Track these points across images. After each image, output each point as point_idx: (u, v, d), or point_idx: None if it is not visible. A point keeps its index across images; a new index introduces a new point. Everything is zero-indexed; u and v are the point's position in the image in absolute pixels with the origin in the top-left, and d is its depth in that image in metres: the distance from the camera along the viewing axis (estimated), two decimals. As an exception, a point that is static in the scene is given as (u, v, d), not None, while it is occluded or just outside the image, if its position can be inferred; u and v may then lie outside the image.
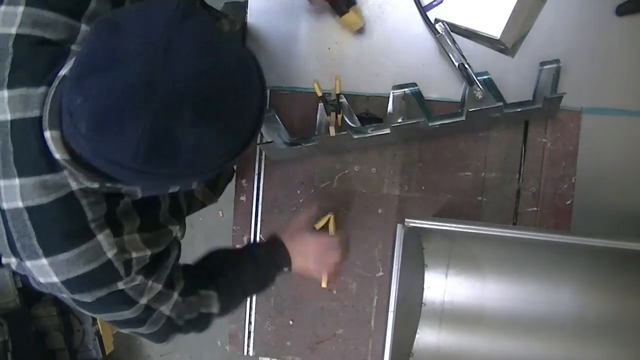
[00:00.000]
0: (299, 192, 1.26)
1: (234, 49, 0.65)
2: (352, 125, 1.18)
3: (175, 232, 0.86)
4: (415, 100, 1.14)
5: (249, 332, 1.31)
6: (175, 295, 0.87)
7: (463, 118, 1.08)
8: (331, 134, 1.11)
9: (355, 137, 1.13)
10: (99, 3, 0.75)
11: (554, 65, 1.09)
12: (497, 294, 1.15)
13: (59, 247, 0.71)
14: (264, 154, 1.27)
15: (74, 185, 0.70)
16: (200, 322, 0.94)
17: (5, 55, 0.70)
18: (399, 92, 1.14)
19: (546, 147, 1.15)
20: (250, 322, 1.31)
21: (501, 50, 1.13)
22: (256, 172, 1.28)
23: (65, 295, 0.75)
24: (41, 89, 0.69)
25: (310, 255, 1.04)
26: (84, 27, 0.74)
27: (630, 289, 1.10)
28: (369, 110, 1.21)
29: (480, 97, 1.11)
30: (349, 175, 1.24)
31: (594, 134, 1.13)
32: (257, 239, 1.29)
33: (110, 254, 0.73)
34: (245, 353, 1.32)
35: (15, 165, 0.69)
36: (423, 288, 1.17)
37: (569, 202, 1.15)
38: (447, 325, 1.17)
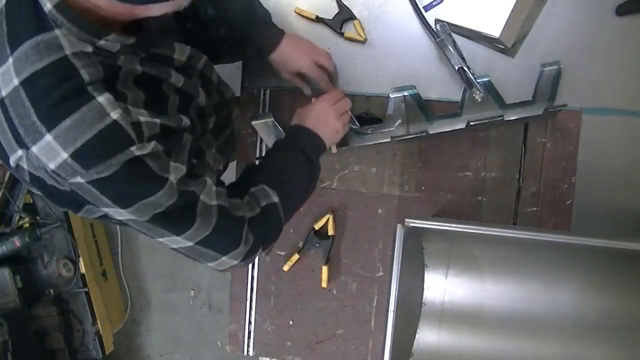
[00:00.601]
0: (299, 192, 1.26)
1: None
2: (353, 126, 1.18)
3: (184, 121, 0.83)
4: (414, 102, 1.14)
5: (249, 332, 1.31)
6: (209, 181, 0.84)
7: (463, 126, 1.09)
8: (333, 152, 1.17)
9: (355, 146, 1.15)
10: None
11: (555, 67, 1.09)
12: (496, 294, 1.15)
13: (59, 115, 0.68)
14: (263, 153, 1.27)
15: (68, 49, 0.69)
16: (270, 217, 0.91)
17: None
18: (398, 95, 1.14)
19: (546, 147, 1.16)
20: (250, 322, 1.31)
21: (501, 51, 1.13)
22: (256, 172, 1.28)
23: (82, 180, 0.70)
24: None
25: (328, 116, 1.06)
26: None
27: (630, 289, 1.10)
28: (369, 111, 1.21)
29: (479, 100, 1.11)
30: (349, 175, 1.24)
31: (594, 134, 1.13)
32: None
33: (114, 114, 0.70)
34: (245, 353, 1.32)
35: (9, 43, 0.68)
36: (423, 288, 1.17)
37: (569, 202, 1.15)
38: (447, 325, 1.17)
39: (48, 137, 0.68)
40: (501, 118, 1.08)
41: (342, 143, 1.16)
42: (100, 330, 1.99)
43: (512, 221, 1.18)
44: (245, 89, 1.26)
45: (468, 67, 1.11)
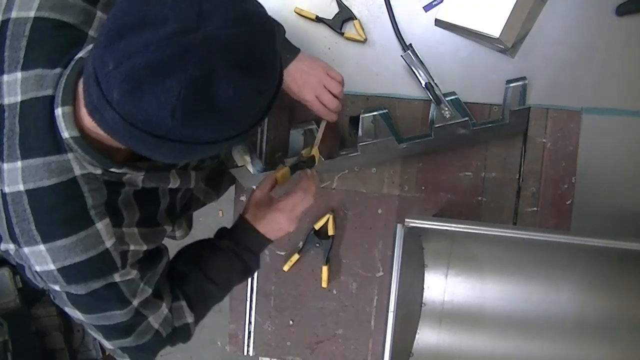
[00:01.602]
0: (299, 192, 1.26)
1: (257, 3, 0.66)
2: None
3: (168, 231, 0.85)
4: (384, 123, 1.14)
5: (249, 332, 1.31)
6: (164, 306, 0.86)
7: (431, 137, 1.10)
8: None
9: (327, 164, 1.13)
10: None
11: (520, 83, 1.11)
12: (497, 294, 1.15)
13: (57, 233, 0.70)
14: (264, 153, 1.27)
15: (77, 170, 0.70)
16: (179, 335, 0.93)
17: (20, 38, 0.70)
18: (368, 115, 1.13)
19: (546, 147, 1.15)
20: (250, 322, 1.31)
21: (501, 51, 1.13)
22: (256, 172, 1.28)
23: (58, 288, 0.74)
24: (56, 70, 0.69)
25: (283, 223, 0.98)
26: (99, 14, 0.75)
27: (630, 289, 1.10)
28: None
29: (448, 115, 1.12)
30: (349, 175, 1.24)
31: (594, 134, 1.13)
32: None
33: (108, 244, 0.73)
34: (245, 353, 1.32)
35: (20, 147, 0.69)
36: (423, 288, 1.17)
37: (569, 202, 1.15)
38: (447, 325, 1.17)
39: (41, 247, 0.70)
40: (466, 120, 1.08)
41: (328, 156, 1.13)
42: (100, 330, 1.99)
43: (512, 221, 1.18)
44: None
45: (436, 83, 1.12)
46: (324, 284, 1.25)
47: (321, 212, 1.25)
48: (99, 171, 0.71)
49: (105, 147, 0.70)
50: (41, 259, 0.71)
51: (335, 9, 1.19)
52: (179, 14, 0.56)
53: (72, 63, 0.70)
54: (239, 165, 1.12)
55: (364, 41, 1.19)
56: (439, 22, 1.14)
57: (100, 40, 0.59)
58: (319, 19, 1.19)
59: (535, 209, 1.17)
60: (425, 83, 1.12)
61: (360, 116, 1.14)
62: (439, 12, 1.13)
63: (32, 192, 0.69)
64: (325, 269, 1.24)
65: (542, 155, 1.16)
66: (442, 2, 1.14)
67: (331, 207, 1.25)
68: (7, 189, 0.69)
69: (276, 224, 0.98)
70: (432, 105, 1.14)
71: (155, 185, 0.81)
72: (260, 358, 1.33)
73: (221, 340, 2.28)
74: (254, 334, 1.31)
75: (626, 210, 1.13)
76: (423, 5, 1.16)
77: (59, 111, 0.67)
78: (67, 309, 0.79)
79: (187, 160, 0.87)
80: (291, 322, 1.29)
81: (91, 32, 0.74)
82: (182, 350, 2.34)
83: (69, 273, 0.72)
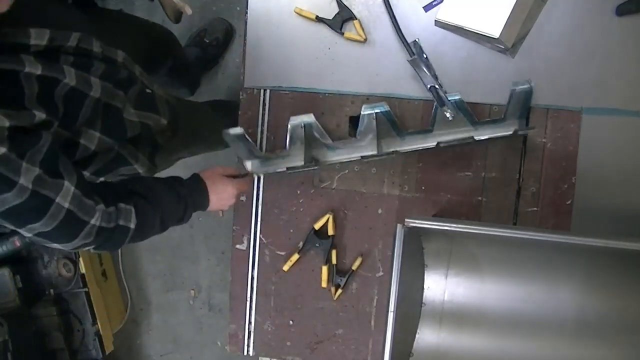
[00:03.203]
0: (299, 192, 1.26)
1: None
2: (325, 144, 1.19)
3: (41, 118, 0.84)
4: (385, 119, 1.14)
5: (249, 332, 1.31)
6: (68, 185, 0.86)
7: (433, 145, 1.11)
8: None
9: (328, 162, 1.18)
10: None
11: (526, 86, 1.08)
12: (496, 294, 1.15)
13: None
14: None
15: None
16: (116, 235, 0.95)
17: None
18: (369, 111, 1.14)
19: (546, 147, 1.15)
20: (250, 322, 1.31)
21: (501, 51, 1.13)
22: (256, 172, 1.28)
23: None
24: None
25: (226, 199, 1.16)
26: None
27: (630, 289, 1.10)
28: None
29: (450, 118, 1.12)
30: (349, 175, 1.24)
31: (594, 134, 1.13)
32: (257, 237, 1.29)
33: None
34: (245, 353, 1.32)
35: None
36: (423, 288, 1.17)
37: (569, 202, 1.15)
38: (447, 325, 1.17)
39: None
40: (471, 138, 1.09)
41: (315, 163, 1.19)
42: (100, 330, 1.99)
43: (512, 221, 1.18)
44: (245, 89, 1.26)
45: (440, 85, 1.11)
46: (324, 284, 1.25)
47: (321, 212, 1.25)
48: None
49: None
50: None
51: (335, 9, 1.19)
52: None
53: None
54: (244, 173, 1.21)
55: (364, 41, 1.19)
56: (439, 22, 1.14)
57: None
58: (319, 19, 1.19)
59: (535, 209, 1.17)
60: (430, 86, 1.12)
61: (361, 112, 1.14)
62: (439, 12, 1.13)
63: None
64: (325, 269, 1.24)
65: (542, 155, 1.16)
66: (442, 2, 1.14)
67: (331, 207, 1.25)
68: None
69: (225, 193, 1.14)
70: (434, 106, 1.13)
71: (7, 66, 0.80)
72: (260, 358, 1.33)
73: (221, 340, 2.28)
74: (254, 334, 1.31)
75: (626, 210, 1.13)
76: (423, 5, 1.16)
77: None
78: None
79: None
80: (291, 322, 1.29)
81: None
82: (182, 350, 2.34)
83: None
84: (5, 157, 0.76)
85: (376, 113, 1.12)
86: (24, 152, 0.79)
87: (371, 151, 1.17)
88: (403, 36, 1.16)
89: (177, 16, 1.18)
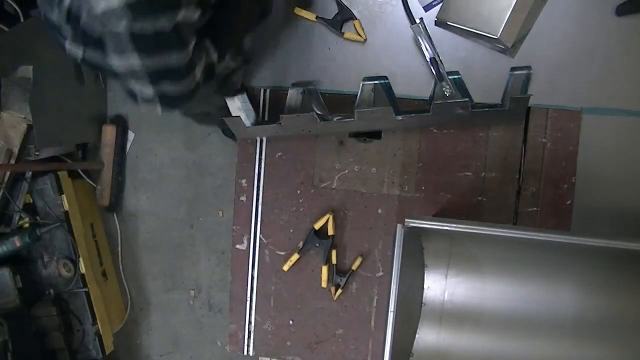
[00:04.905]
0: (299, 192, 1.26)
1: None
2: (318, 112, 1.18)
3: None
4: (384, 92, 1.14)
5: (249, 332, 1.31)
6: (207, 59, 0.92)
7: (429, 113, 1.09)
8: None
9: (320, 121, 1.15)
10: None
11: (524, 72, 1.10)
12: (497, 294, 1.15)
13: None
14: (264, 153, 1.27)
15: None
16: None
17: None
18: (369, 83, 1.14)
19: (546, 147, 1.15)
20: (250, 322, 1.31)
21: (501, 51, 1.13)
22: (256, 172, 1.28)
23: (122, 29, 0.75)
24: None
25: None
26: None
27: (630, 289, 1.10)
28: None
29: (448, 94, 1.12)
30: (349, 175, 1.24)
31: (594, 134, 1.13)
32: (257, 237, 1.29)
33: None
34: (245, 353, 1.32)
35: None
36: (423, 288, 1.17)
37: (569, 202, 1.15)
38: (447, 325, 1.17)
39: None
40: (466, 100, 1.08)
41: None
42: (100, 330, 1.99)
43: (512, 221, 1.18)
44: (246, 89, 1.26)
45: (440, 60, 1.11)
46: (324, 284, 1.25)
47: (321, 212, 1.25)
48: None
49: None
50: None
51: (335, 9, 1.19)
52: None
53: None
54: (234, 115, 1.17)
55: (364, 41, 1.19)
56: (439, 22, 1.14)
57: None
58: (319, 19, 1.19)
59: (535, 209, 1.17)
60: (430, 58, 1.11)
61: (361, 83, 1.14)
62: (439, 12, 1.13)
63: None
64: (325, 269, 1.24)
65: (542, 155, 1.16)
66: (442, 2, 1.14)
67: (331, 207, 1.25)
68: None
69: None
70: (434, 82, 1.13)
71: None
72: (260, 358, 1.33)
73: (221, 340, 2.28)
74: (254, 334, 1.31)
75: (626, 210, 1.13)
76: (423, 5, 1.16)
77: None
78: (121, 58, 0.80)
79: None
80: (291, 322, 1.29)
81: None
82: (182, 350, 2.34)
83: (136, 7, 0.74)
84: (191, 23, 0.83)
85: (375, 84, 1.13)
86: (199, 22, 0.87)
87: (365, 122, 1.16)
88: (407, 4, 1.16)
89: None
